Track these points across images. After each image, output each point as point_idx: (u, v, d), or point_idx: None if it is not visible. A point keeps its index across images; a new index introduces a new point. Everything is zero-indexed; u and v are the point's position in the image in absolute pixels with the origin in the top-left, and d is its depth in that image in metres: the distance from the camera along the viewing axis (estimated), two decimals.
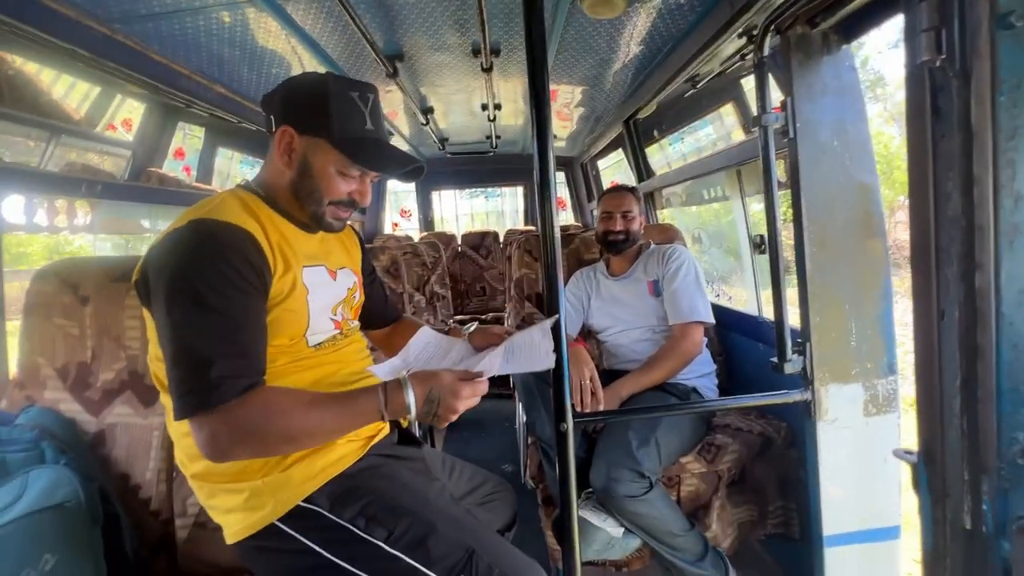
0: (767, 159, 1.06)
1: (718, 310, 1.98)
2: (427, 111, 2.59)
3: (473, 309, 3.95)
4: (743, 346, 1.84)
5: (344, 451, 0.91)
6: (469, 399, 0.81)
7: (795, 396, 1.07)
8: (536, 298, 2.08)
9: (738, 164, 1.84)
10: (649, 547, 1.35)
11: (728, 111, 2.24)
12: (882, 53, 8.68)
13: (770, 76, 1.09)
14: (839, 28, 1.03)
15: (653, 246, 1.80)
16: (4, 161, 1.55)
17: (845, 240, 1.06)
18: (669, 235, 2.00)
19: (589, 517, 1.32)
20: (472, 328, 1.10)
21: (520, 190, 5.10)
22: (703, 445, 1.47)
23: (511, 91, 2.31)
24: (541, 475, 1.56)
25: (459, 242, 4.16)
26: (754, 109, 1.13)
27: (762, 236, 1.07)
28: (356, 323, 1.07)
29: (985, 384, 0.54)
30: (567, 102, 2.50)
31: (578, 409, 1.35)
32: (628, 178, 3.31)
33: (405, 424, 0.80)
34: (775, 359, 1.08)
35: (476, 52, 1.76)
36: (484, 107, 2.50)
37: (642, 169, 2.76)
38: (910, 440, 0.75)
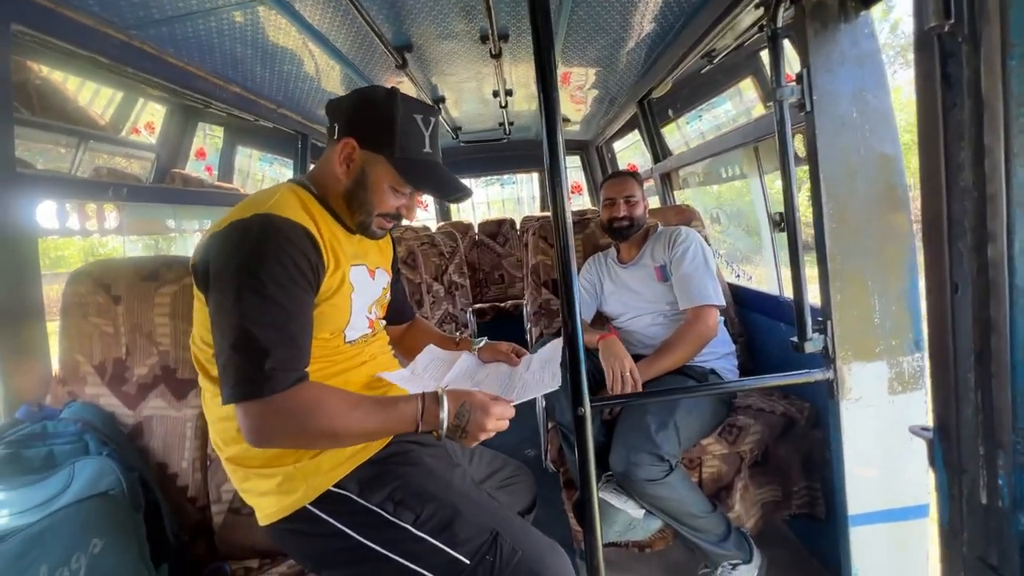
0: (783, 134, 1.03)
1: (738, 290, 1.95)
2: (438, 100, 2.59)
3: (492, 297, 3.96)
4: (765, 326, 1.81)
5: None
6: (498, 420, 0.85)
7: (816, 375, 1.05)
8: (552, 284, 2.08)
9: (755, 141, 1.79)
10: (671, 527, 1.36)
11: (748, 86, 2.17)
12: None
13: (786, 48, 1.06)
14: None
15: (660, 228, 1.78)
16: (36, 168, 1.62)
17: (867, 214, 1.03)
18: (686, 216, 1.97)
19: (610, 499, 1.33)
20: (482, 343, 1.18)
21: (536, 176, 5.06)
22: (724, 427, 1.46)
23: (522, 76, 2.28)
24: (562, 459, 1.58)
25: (476, 231, 4.16)
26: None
27: (781, 214, 1.04)
28: (384, 321, 1.11)
29: (999, 358, 0.53)
30: (580, 84, 2.46)
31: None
32: (645, 159, 3.25)
33: (437, 437, 0.83)
34: (795, 339, 1.06)
35: (484, 38, 1.74)
36: (495, 94, 2.48)
37: (658, 150, 2.71)
38: None
